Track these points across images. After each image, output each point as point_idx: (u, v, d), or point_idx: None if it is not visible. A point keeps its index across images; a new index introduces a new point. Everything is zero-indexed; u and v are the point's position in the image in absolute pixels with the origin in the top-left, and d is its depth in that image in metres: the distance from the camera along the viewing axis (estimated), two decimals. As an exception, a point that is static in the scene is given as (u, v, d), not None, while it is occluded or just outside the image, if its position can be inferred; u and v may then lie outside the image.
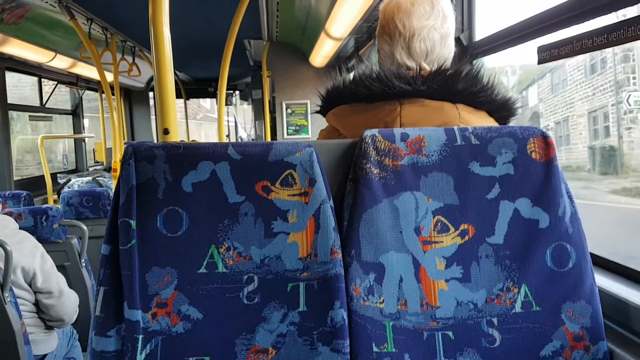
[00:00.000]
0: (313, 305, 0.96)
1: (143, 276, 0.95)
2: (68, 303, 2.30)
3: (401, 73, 1.12)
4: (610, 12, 1.28)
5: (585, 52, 1.30)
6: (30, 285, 2.20)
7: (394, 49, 1.21)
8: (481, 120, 1.14)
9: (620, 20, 1.17)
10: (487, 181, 1.00)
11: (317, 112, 1.27)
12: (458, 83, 1.10)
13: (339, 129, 1.22)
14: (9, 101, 4.65)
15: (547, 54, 1.45)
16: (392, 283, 0.97)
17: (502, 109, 1.16)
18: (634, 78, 3.77)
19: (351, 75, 1.18)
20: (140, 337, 0.93)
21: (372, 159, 0.99)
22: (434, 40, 1.19)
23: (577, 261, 0.98)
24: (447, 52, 1.22)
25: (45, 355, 2.27)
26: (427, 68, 1.18)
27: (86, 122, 6.83)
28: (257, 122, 8.68)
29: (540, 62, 1.47)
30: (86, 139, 6.77)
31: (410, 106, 1.12)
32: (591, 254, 1.02)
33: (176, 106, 1.42)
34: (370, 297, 0.96)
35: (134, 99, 8.53)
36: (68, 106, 6.66)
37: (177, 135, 1.38)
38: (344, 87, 1.17)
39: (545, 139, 1.00)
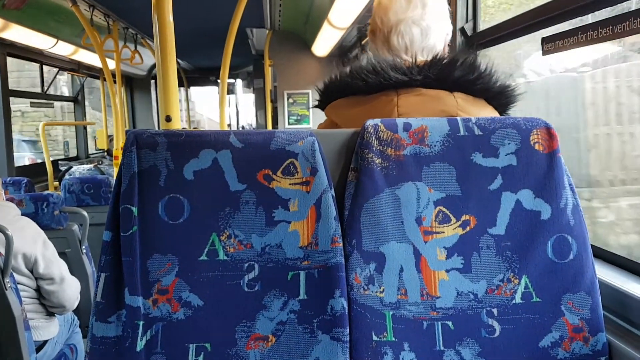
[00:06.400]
0: (313, 294, 0.96)
1: (144, 263, 0.95)
2: (69, 290, 2.31)
3: (397, 64, 1.12)
4: (616, 4, 1.27)
5: (590, 43, 1.29)
6: (32, 272, 2.21)
7: (377, 45, 1.24)
8: (480, 109, 1.13)
9: (626, 11, 1.16)
10: (490, 172, 0.99)
11: (316, 106, 1.27)
12: (454, 71, 1.10)
13: (337, 122, 1.21)
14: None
15: (552, 45, 1.44)
16: (392, 273, 0.97)
17: (500, 97, 1.15)
18: None
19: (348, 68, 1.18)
20: (141, 323, 0.94)
21: (374, 148, 0.99)
22: (413, 33, 1.20)
23: (578, 253, 0.98)
24: (431, 42, 1.22)
25: (45, 342, 2.28)
26: (423, 58, 1.17)
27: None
28: (258, 111, 8.67)
29: (545, 53, 1.47)
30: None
31: (407, 96, 1.12)
32: (592, 245, 1.02)
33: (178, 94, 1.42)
34: (370, 286, 0.97)
35: (135, 86, 8.51)
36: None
37: (179, 122, 1.38)
38: (340, 80, 1.17)
39: (548, 130, 1.00)
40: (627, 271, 1.21)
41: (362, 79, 1.12)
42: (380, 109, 1.12)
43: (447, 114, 1.10)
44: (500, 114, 1.18)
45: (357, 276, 0.96)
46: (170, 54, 1.36)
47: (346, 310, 0.95)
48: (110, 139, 5.25)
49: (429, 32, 1.21)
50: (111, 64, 4.95)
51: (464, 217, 0.99)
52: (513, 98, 1.17)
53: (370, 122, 1.01)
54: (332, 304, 0.94)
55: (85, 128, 6.73)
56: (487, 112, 1.14)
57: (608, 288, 1.11)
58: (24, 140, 9.70)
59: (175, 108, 1.36)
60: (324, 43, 4.80)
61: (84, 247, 2.86)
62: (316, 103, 1.27)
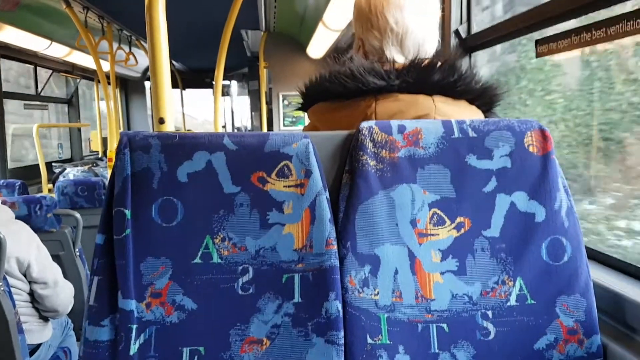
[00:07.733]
0: (308, 297, 0.95)
1: (137, 266, 0.94)
2: (62, 294, 2.30)
3: (375, 68, 1.09)
4: (610, 6, 1.27)
5: (583, 45, 1.29)
6: (25, 276, 2.19)
7: (384, 45, 1.18)
8: (460, 110, 1.12)
9: (619, 14, 1.16)
10: (484, 174, 0.99)
11: (298, 109, 1.25)
12: (434, 74, 1.08)
13: (318, 125, 1.20)
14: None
15: (546, 48, 1.45)
16: (387, 275, 0.97)
17: (483, 96, 1.14)
18: None
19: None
20: (135, 326, 0.93)
21: (368, 150, 0.99)
22: (425, 35, 1.18)
23: (572, 255, 0.98)
24: (434, 45, 1.21)
25: (39, 345, 2.27)
26: (401, 61, 1.16)
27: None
28: (253, 113, 8.67)
29: (538, 55, 1.47)
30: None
31: (385, 102, 1.10)
32: (586, 247, 1.02)
33: (172, 96, 1.41)
34: (365, 289, 0.96)
35: (130, 88, 8.50)
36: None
37: (173, 124, 1.37)
38: (320, 84, 1.15)
39: (542, 132, 1.00)
40: (622, 273, 1.21)
41: (341, 84, 1.11)
42: (359, 115, 1.11)
43: (424, 118, 1.08)
44: (485, 112, 1.16)
45: (352, 279, 0.96)
46: (163, 55, 1.36)
47: (341, 313, 0.94)
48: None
49: (435, 33, 1.21)
50: (106, 66, 4.93)
51: (458, 219, 0.99)
52: (497, 97, 1.15)
53: (364, 124, 1.01)
54: (327, 306, 0.94)
55: (79, 130, 6.70)
56: (469, 112, 1.13)
57: (602, 290, 1.11)
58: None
59: (169, 110, 1.36)
60: (319, 45, 4.81)
61: (77, 249, 2.85)
62: (299, 105, 1.25)
